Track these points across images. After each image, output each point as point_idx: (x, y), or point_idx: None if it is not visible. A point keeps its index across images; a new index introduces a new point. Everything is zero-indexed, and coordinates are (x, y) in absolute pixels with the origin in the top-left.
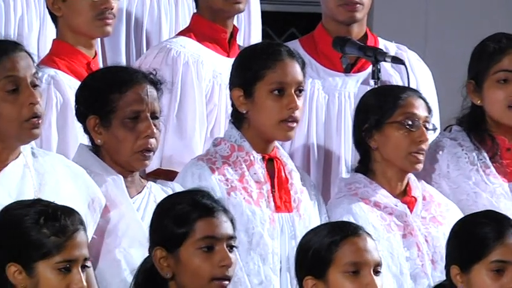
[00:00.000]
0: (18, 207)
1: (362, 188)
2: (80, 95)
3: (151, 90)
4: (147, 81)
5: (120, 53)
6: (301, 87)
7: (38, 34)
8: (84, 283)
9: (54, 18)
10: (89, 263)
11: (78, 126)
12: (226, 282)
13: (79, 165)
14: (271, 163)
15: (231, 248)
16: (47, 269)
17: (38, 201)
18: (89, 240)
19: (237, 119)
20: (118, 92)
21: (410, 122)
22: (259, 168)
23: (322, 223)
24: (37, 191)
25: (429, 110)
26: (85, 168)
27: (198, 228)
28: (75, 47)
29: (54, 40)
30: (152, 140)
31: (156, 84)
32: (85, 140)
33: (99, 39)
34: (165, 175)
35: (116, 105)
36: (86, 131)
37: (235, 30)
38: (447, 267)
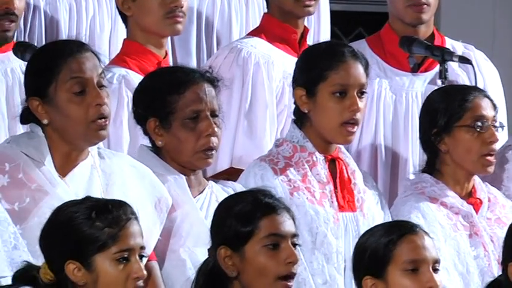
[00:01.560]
0: (69, 205)
1: (428, 188)
2: (137, 97)
3: (209, 89)
4: (205, 80)
5: (190, 54)
6: (364, 90)
7: (110, 34)
8: (144, 271)
9: (125, 18)
10: (148, 254)
11: None
12: (292, 280)
13: None
14: (333, 163)
15: (294, 245)
16: (105, 262)
17: (87, 198)
18: (156, 240)
19: (300, 117)
20: (176, 93)
21: (479, 124)
22: (322, 169)
23: (378, 224)
24: (104, 191)
25: (495, 107)
26: None
27: (263, 226)
28: (146, 46)
29: (124, 40)
30: (214, 139)
31: (213, 82)
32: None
33: (169, 39)
34: (237, 174)
35: (175, 106)
36: (145, 132)
37: (305, 31)
38: (504, 264)
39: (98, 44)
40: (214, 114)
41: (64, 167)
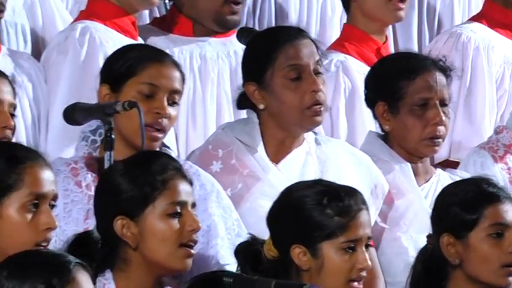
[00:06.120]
0: (300, 188)
1: None
2: (369, 80)
3: (440, 78)
4: (437, 68)
5: (412, 39)
6: None
7: (341, 17)
8: (369, 262)
9: (346, 3)
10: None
11: (368, 112)
12: None
13: (367, 152)
14: None
15: None
16: (331, 250)
17: (319, 182)
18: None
19: None
20: (407, 79)
21: None
22: None
23: None
24: (318, 178)
25: None
26: (373, 156)
27: (488, 215)
28: (366, 32)
29: (345, 25)
30: (441, 128)
31: (446, 71)
32: (372, 126)
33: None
34: (452, 166)
35: (404, 92)
36: (375, 116)
37: None
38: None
39: (329, 28)
40: (443, 103)
41: (278, 154)
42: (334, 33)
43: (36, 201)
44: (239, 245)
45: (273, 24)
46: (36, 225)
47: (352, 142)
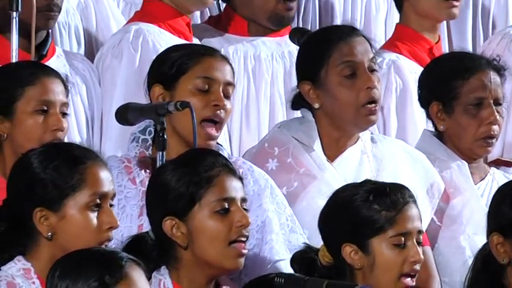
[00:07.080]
0: (347, 188)
1: None
2: (423, 80)
3: (494, 77)
4: (491, 68)
5: (466, 39)
6: None
7: (386, 16)
8: (421, 256)
9: (399, 3)
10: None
11: (419, 112)
12: None
13: (423, 151)
14: None
15: None
16: (382, 245)
17: (366, 181)
18: (427, 225)
19: None
20: (461, 78)
21: None
22: None
23: None
24: (374, 176)
25: None
26: (429, 154)
27: None
28: (419, 31)
29: (397, 24)
30: (495, 127)
31: (500, 70)
32: (423, 125)
33: (445, 24)
34: (504, 165)
35: (459, 92)
36: (429, 116)
37: None
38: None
39: (374, 27)
40: (497, 103)
41: (332, 152)
42: (378, 32)
43: (98, 201)
44: (294, 254)
45: (317, 24)
46: (99, 225)
47: (403, 141)
